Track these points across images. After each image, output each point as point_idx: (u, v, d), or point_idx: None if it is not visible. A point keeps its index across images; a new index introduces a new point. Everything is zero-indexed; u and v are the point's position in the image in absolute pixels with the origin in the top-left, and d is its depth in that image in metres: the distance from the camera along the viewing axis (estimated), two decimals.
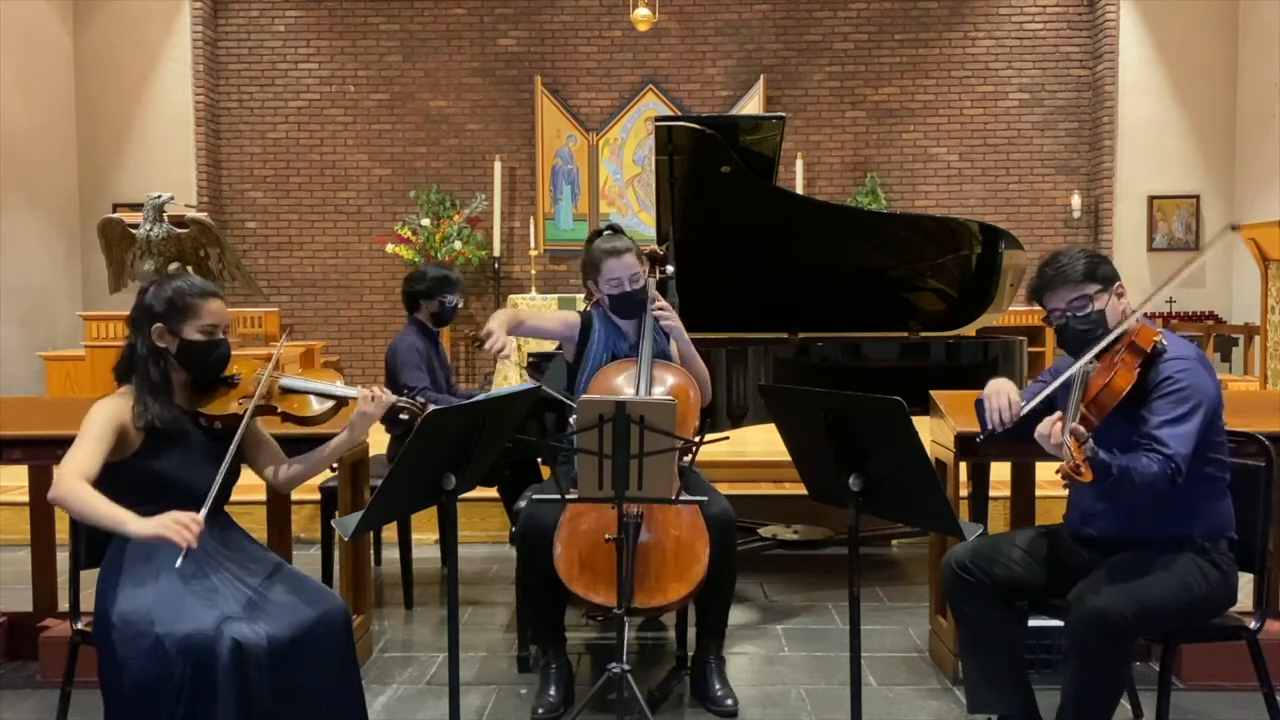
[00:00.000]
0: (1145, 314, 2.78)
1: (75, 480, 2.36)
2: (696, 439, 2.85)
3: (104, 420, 2.48)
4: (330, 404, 2.75)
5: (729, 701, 3.17)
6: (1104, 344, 2.59)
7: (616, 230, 3.52)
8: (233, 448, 2.50)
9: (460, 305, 4.51)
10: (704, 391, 3.48)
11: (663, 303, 3.44)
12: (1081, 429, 2.37)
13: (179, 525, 2.25)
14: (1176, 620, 2.59)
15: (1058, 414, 2.43)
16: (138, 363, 2.58)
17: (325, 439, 2.83)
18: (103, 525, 2.35)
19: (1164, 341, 2.59)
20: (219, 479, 2.44)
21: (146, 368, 2.57)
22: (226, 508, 2.71)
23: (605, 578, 2.96)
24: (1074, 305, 2.69)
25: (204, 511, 2.32)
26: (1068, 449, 2.33)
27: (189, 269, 6.45)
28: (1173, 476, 2.45)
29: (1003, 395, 2.72)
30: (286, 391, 2.71)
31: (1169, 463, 2.45)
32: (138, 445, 2.52)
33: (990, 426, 2.71)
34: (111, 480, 2.50)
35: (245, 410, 2.59)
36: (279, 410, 2.69)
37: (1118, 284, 2.71)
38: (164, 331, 2.58)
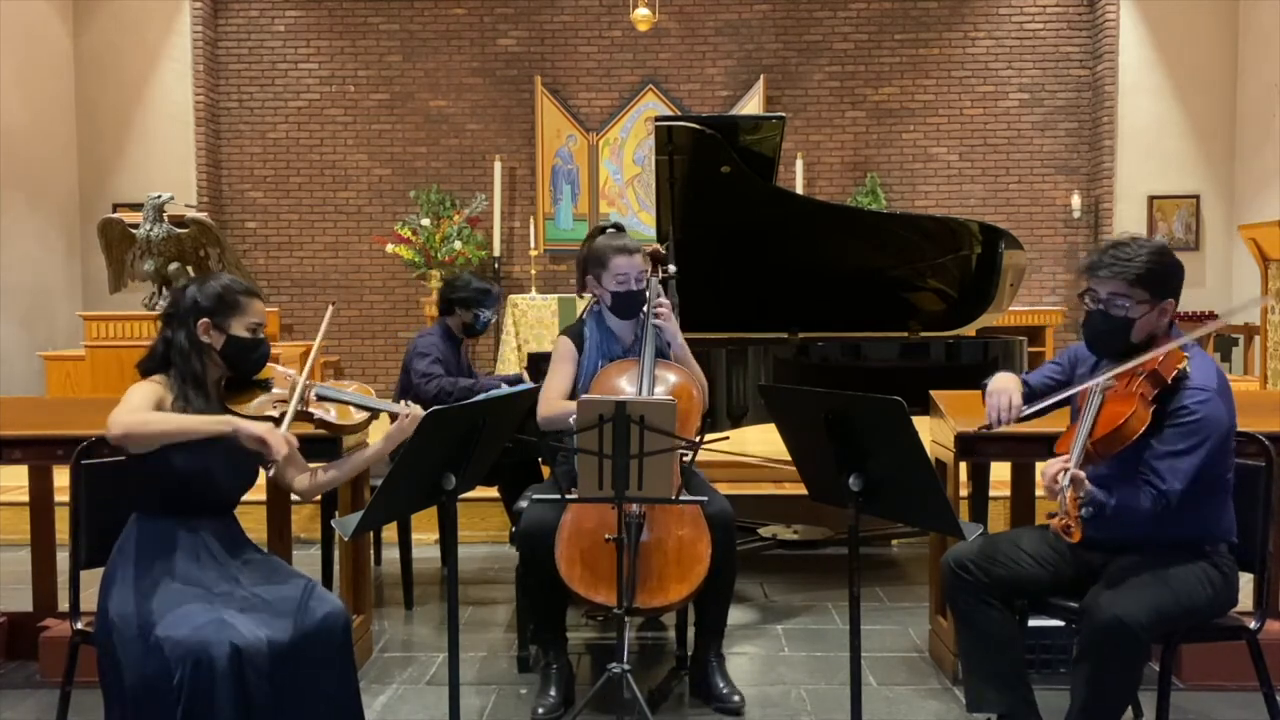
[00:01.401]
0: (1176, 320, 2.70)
1: (136, 411, 2.40)
2: (697, 439, 2.84)
3: (147, 395, 2.50)
4: (364, 415, 2.77)
5: (735, 698, 3.17)
6: (1124, 368, 2.56)
7: (620, 229, 3.52)
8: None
9: (491, 321, 4.51)
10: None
11: (663, 299, 3.43)
12: (1082, 476, 2.37)
13: (278, 437, 2.42)
14: (1184, 624, 2.60)
15: (1062, 458, 2.42)
16: (177, 357, 2.57)
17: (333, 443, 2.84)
18: (204, 433, 2.40)
19: (1188, 368, 2.54)
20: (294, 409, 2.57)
21: (189, 362, 2.57)
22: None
23: (606, 577, 2.96)
24: (1112, 301, 2.61)
25: (285, 426, 2.52)
26: (1064, 498, 2.33)
27: (189, 269, 6.44)
28: (1162, 511, 2.47)
29: (1004, 396, 2.74)
30: (322, 399, 2.72)
31: (1161, 498, 2.47)
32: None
33: (988, 423, 2.76)
34: (137, 474, 2.51)
35: (280, 413, 2.59)
36: (315, 416, 2.70)
37: (1168, 301, 2.62)
38: (210, 327, 2.59)
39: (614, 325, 3.46)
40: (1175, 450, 2.49)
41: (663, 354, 3.42)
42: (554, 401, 3.34)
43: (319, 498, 4.22)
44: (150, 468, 2.49)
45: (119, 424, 2.37)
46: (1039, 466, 3.63)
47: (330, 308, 3.07)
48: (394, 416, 2.76)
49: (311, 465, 2.82)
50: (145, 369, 2.61)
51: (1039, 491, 3.76)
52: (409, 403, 2.78)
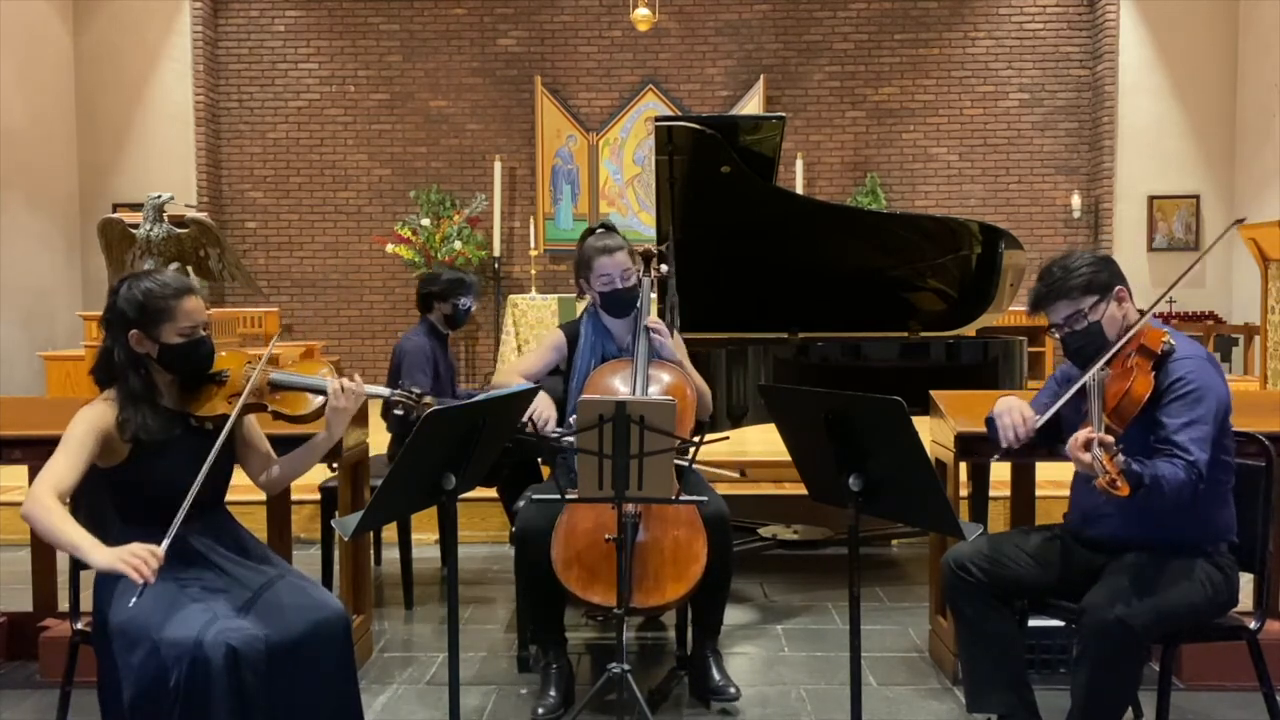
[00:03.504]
0: (1154, 314, 2.75)
1: (48, 497, 2.28)
2: (697, 439, 2.84)
3: (86, 429, 2.40)
4: (321, 400, 2.66)
5: (731, 689, 3.17)
6: (1112, 353, 2.57)
7: (609, 228, 3.51)
8: (215, 450, 2.40)
9: (473, 308, 4.51)
10: (704, 404, 3.45)
11: (656, 323, 3.40)
12: (1110, 439, 2.36)
13: (138, 559, 2.14)
14: (1184, 624, 2.60)
15: (1087, 428, 2.39)
16: (117, 371, 2.49)
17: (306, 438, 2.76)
18: (65, 550, 2.28)
19: (1172, 341, 2.58)
20: (192, 492, 2.32)
21: (128, 376, 2.48)
22: (227, 507, 2.70)
23: (603, 578, 2.96)
24: (1071, 320, 2.67)
25: (165, 545, 2.21)
26: (1099, 462, 2.31)
27: (189, 269, 6.45)
28: (1196, 483, 2.46)
29: (1014, 413, 2.71)
30: (276, 388, 2.63)
31: (1192, 469, 2.45)
32: (125, 454, 2.45)
33: (1005, 446, 2.71)
34: (104, 488, 2.48)
35: (235, 409, 2.51)
36: (269, 409, 2.61)
37: (1118, 289, 2.67)
38: (142, 337, 2.49)
39: (610, 325, 3.46)
40: (1187, 421, 2.50)
41: (658, 353, 3.41)
42: (509, 373, 3.45)
43: (319, 497, 4.25)
44: (121, 479, 2.46)
45: (28, 509, 2.27)
46: (1040, 467, 3.65)
47: (269, 348, 2.88)
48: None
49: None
50: (99, 380, 2.53)
51: (1039, 492, 3.77)
52: (352, 376, 2.67)
